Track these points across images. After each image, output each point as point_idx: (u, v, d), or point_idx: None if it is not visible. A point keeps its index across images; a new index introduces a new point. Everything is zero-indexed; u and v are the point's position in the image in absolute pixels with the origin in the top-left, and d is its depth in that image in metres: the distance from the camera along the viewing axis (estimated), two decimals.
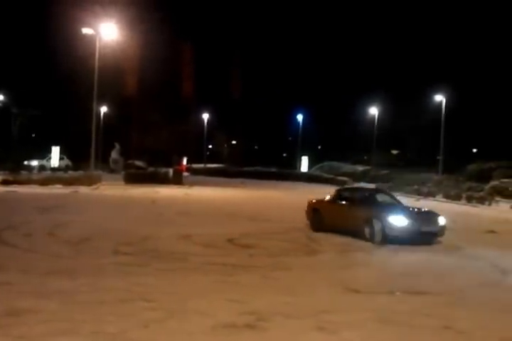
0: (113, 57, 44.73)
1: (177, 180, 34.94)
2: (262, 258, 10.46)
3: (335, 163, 52.59)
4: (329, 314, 6.65)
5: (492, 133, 55.71)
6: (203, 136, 73.71)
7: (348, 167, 51.33)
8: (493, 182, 30.33)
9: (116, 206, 20.01)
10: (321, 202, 15.41)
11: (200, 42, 73.79)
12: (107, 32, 34.48)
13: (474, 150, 68.52)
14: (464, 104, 52.19)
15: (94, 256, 10.01)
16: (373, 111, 58.18)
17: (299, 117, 69.23)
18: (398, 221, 12.53)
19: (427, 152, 54.33)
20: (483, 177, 33.87)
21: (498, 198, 26.81)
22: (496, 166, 36.60)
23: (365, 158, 62.33)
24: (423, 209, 14.36)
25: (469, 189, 29.78)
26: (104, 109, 57.43)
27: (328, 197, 15.42)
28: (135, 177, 34.63)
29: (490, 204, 25.49)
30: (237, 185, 36.27)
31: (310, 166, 56.19)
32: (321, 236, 13.71)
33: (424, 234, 12.71)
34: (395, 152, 71.35)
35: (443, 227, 13.01)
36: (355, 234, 13.29)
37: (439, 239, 13.04)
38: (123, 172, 39.19)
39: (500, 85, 55.21)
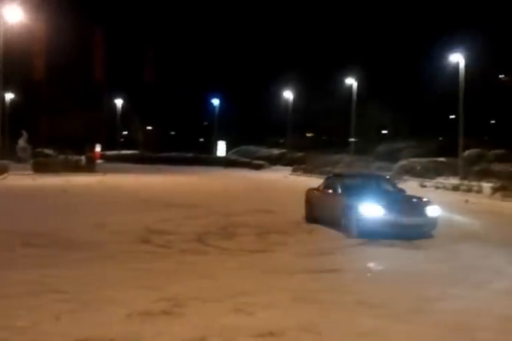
0: (19, 40, 42.69)
1: (90, 168, 34.12)
2: (179, 244, 10.39)
3: (251, 147, 52.99)
4: (246, 296, 6.72)
5: (401, 114, 57.69)
6: (116, 122, 71.99)
7: (263, 150, 51.91)
8: (402, 162, 31.63)
9: (25, 196, 19.23)
10: (311, 190, 14.14)
11: (111, 25, 71.79)
12: (11, 14, 32.96)
13: (384, 131, 70.83)
14: (374, 88, 53.72)
15: (2, 249, 9.57)
16: (288, 94, 58.76)
17: (215, 102, 68.90)
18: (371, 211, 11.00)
19: (339, 134, 55.61)
20: (393, 157, 35.21)
21: (406, 177, 27.98)
22: (405, 146, 38.11)
23: (281, 141, 63.12)
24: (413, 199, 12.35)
25: (379, 168, 30.90)
26: (9, 95, 54.64)
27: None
28: (45, 166, 33.41)
29: (398, 183, 26.51)
30: (152, 171, 35.76)
31: (227, 151, 56.29)
32: (237, 219, 13.84)
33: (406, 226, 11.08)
34: (309, 135, 72.75)
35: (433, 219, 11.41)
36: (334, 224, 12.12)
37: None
38: (31, 161, 37.65)
39: (404, 69, 57.25)
